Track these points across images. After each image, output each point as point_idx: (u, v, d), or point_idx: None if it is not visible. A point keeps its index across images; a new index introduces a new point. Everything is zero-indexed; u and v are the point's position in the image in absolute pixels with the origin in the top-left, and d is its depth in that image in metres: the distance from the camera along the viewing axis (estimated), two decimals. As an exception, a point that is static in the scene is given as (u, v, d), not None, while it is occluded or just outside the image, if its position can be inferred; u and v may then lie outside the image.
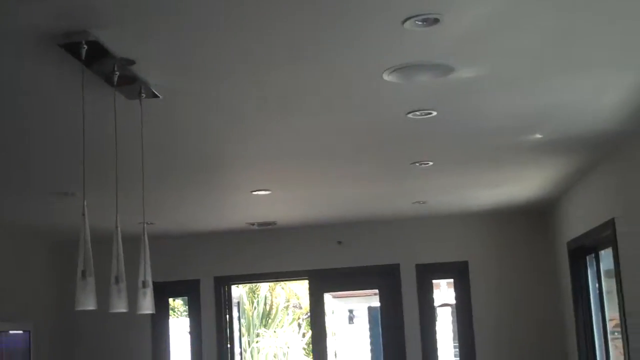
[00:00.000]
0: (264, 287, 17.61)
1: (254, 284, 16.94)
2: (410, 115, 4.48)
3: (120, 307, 3.45)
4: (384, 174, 6.29)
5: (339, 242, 8.81)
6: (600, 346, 7.24)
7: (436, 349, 8.80)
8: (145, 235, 3.72)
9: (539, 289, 8.57)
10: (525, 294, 8.60)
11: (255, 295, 17.67)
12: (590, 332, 7.41)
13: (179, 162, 5.45)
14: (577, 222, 7.24)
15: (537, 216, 8.60)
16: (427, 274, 8.83)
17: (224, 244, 8.94)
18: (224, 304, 9.08)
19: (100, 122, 3.89)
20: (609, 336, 7.03)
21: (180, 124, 4.46)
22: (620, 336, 6.20)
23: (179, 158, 5.32)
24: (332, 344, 16.68)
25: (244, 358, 16.81)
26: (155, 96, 3.76)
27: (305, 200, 7.30)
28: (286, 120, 4.52)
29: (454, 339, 12.21)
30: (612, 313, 6.86)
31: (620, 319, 6.03)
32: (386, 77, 3.75)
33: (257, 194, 6.61)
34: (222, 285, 9.07)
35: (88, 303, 3.23)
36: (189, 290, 9.12)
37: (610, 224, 6.04)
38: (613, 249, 6.06)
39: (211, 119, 4.42)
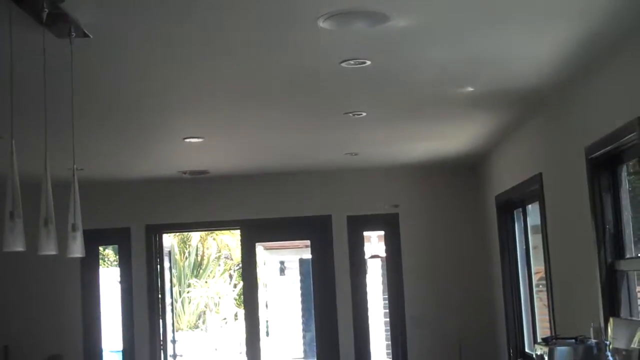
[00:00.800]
0: (195, 238, 17.59)
1: (185, 234, 16.91)
2: (344, 65, 4.48)
3: (49, 249, 3.41)
4: (317, 123, 6.30)
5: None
6: (525, 298, 7.43)
7: (366, 300, 8.92)
8: (76, 180, 3.68)
9: (467, 242, 8.73)
10: (454, 246, 8.75)
11: (187, 246, 17.65)
12: (516, 285, 7.59)
13: (110, 106, 5.37)
14: (505, 176, 7.37)
15: (467, 170, 8.73)
16: (359, 225, 8.91)
17: (155, 192, 8.87)
18: (155, 253, 9.04)
19: (29, 62, 3.81)
20: (534, 289, 7.21)
21: (111, 65, 4.39)
22: (544, 289, 6.36)
23: (110, 101, 5.24)
24: (263, 295, 16.78)
25: (175, 308, 16.82)
26: (86, 35, 3.69)
27: (238, 149, 7.28)
28: (218, 64, 4.48)
29: (383, 291, 12.40)
30: (537, 266, 7.03)
31: (546, 272, 6.18)
32: (321, 23, 3.74)
33: (189, 142, 6.56)
34: (153, 234, 9.02)
35: (16, 244, 3.19)
36: (119, 238, 9.04)
37: (538, 178, 6.16)
38: (540, 203, 6.19)
39: (142, 61, 4.35)
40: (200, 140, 6.53)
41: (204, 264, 17.86)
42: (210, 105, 5.53)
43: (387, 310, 9.56)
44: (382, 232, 9.36)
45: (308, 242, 9.27)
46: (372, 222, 9.07)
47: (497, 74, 5.01)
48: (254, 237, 9.16)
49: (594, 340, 4.44)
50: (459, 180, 8.80)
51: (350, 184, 8.85)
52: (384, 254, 9.32)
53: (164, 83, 4.86)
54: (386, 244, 9.10)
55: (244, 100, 5.39)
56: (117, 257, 9.77)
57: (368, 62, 4.47)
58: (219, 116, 5.89)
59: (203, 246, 17.90)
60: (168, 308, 9.64)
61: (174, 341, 9.60)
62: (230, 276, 18.05)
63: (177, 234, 16.50)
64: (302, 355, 17.43)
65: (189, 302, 17.82)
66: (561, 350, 4.50)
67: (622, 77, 4.46)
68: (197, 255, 17.82)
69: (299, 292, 17.27)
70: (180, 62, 4.42)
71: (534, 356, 4.92)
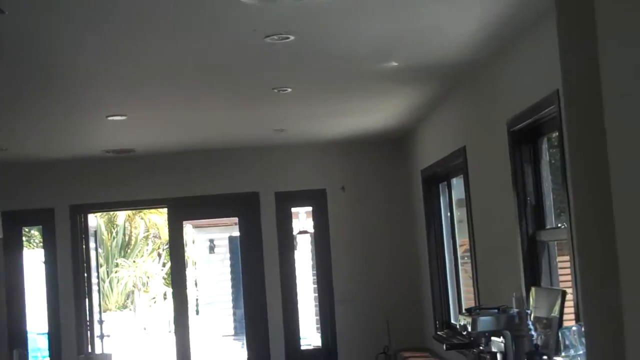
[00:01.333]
0: (122, 217, 17.40)
1: (112, 214, 16.72)
2: (267, 40, 4.46)
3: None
4: (242, 100, 6.27)
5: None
6: (450, 270, 7.54)
7: (295, 276, 8.94)
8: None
9: (394, 216, 8.81)
10: (382, 221, 8.82)
11: (114, 225, 17.45)
12: (442, 257, 7.69)
13: (31, 84, 5.26)
14: (431, 150, 7.45)
15: (393, 145, 8.80)
16: (286, 201, 8.92)
17: (80, 171, 8.73)
18: (80, 233, 8.91)
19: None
20: (459, 261, 7.33)
21: (30, 42, 4.29)
22: (469, 260, 6.46)
23: (30, 78, 5.13)
24: (192, 274, 16.72)
25: (103, 288, 16.63)
26: (2, 12, 3.60)
27: (163, 126, 7.21)
28: (140, 40, 4.42)
29: (313, 267, 12.46)
30: (462, 239, 7.14)
31: (470, 245, 6.28)
32: (243, -2, 3.72)
33: (112, 119, 6.46)
34: (78, 214, 8.89)
35: None
36: (43, 219, 8.88)
37: (461, 152, 6.25)
38: (464, 176, 6.28)
39: (61, 39, 4.27)
40: (123, 118, 6.44)
41: (131, 244, 17.69)
42: (132, 83, 5.45)
43: (316, 286, 9.61)
44: (310, 208, 9.39)
45: (236, 220, 9.24)
46: (300, 198, 9.09)
47: (421, 49, 5.05)
48: (181, 215, 9.09)
49: (515, 310, 4.52)
50: (386, 155, 8.87)
51: (277, 160, 8.84)
52: (312, 230, 9.36)
53: (84, 60, 4.77)
54: (314, 219, 9.13)
55: (167, 77, 5.33)
56: (42, 237, 9.60)
57: (292, 37, 4.45)
58: (142, 93, 5.81)
59: (131, 225, 17.72)
60: (94, 288, 9.51)
61: (101, 322, 9.48)
62: (159, 255, 17.93)
63: (104, 213, 16.30)
64: (232, 332, 17.45)
65: (117, 282, 17.64)
66: (484, 320, 4.58)
67: (541, 52, 4.53)
68: (124, 234, 17.63)
69: (229, 269, 17.27)
70: (101, 39, 4.34)
71: (458, 327, 5.00)
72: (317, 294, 9.84)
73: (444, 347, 5.51)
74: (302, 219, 11.28)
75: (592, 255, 2.00)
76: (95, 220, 11.09)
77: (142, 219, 17.35)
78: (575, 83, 2.05)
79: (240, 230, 9.12)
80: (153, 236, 17.86)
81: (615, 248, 1.84)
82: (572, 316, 4.22)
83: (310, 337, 11.65)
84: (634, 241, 1.83)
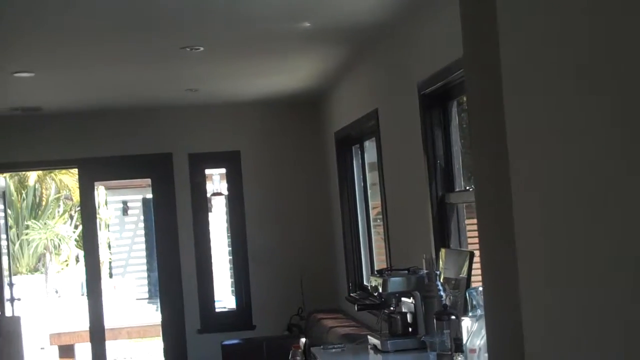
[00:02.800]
0: (33, 178, 17.01)
1: (22, 175, 16.34)
2: (178, -4, 4.38)
3: None
4: (153, 58, 6.14)
5: None
6: (363, 232, 7.60)
7: (209, 238, 8.89)
8: None
9: (308, 179, 8.82)
10: (296, 183, 8.82)
11: (24, 187, 17.05)
12: (355, 220, 7.74)
13: None
14: (344, 113, 7.46)
15: (308, 107, 8.77)
16: (200, 163, 8.82)
17: (-14, 130, 8.47)
18: (-13, 194, 8.68)
19: None
20: (372, 223, 7.39)
21: None
22: (381, 223, 6.52)
23: None
24: (105, 236, 16.50)
25: (13, 251, 16.28)
26: None
27: (73, 84, 7.02)
28: (46, -5, 4.29)
29: (226, 229, 12.41)
30: (375, 202, 7.19)
31: (382, 207, 6.33)
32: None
33: (19, 76, 6.26)
34: (-15, 174, 8.65)
35: None
36: (-52, 179, 8.62)
37: (374, 114, 6.26)
38: (376, 139, 6.30)
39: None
40: (30, 75, 6.24)
41: (42, 205, 17.32)
42: (39, 38, 5.28)
43: (231, 248, 9.57)
44: (224, 170, 9.32)
45: (150, 181, 9.11)
46: (214, 160, 9.01)
47: (333, 10, 5.02)
48: (92, 176, 8.89)
49: (425, 271, 4.58)
50: (300, 117, 8.84)
51: (191, 121, 8.73)
52: (226, 192, 9.30)
53: (-13, 13, 4.60)
54: (228, 181, 9.07)
55: (76, 34, 5.18)
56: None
57: (203, -6, 4.38)
58: (50, 50, 5.64)
59: (42, 187, 17.33)
60: (4, 251, 9.30)
61: (11, 285, 9.29)
62: (71, 217, 17.60)
63: (13, 174, 15.92)
64: (146, 296, 17.32)
65: (28, 245, 17.28)
66: (394, 281, 4.63)
67: (452, 15, 4.54)
68: (35, 196, 17.25)
69: (143, 232, 17.10)
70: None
71: (369, 287, 5.04)
72: (231, 257, 9.82)
73: (356, 307, 5.56)
74: (217, 181, 11.20)
75: (490, 216, 2.03)
76: (3, 180, 10.81)
77: (53, 180, 16.97)
78: (475, 50, 2.06)
79: (154, 192, 9.00)
80: (65, 198, 17.50)
81: (511, 210, 1.87)
82: (480, 277, 4.29)
83: (225, 299, 11.64)
84: (528, 206, 1.86)
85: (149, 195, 10.85)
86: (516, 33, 1.88)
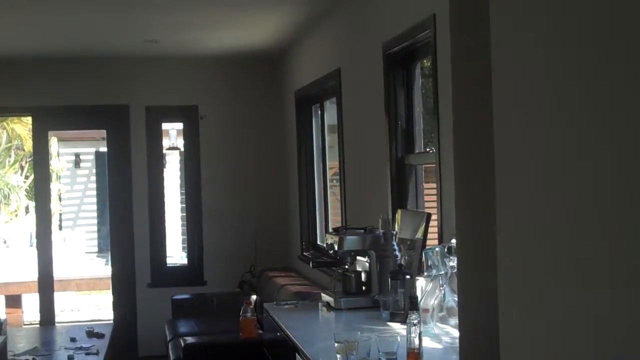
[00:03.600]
0: (-16, 127, 16.71)
1: (-27, 123, 16.06)
2: (143, -59, 4.28)
3: None
4: (114, 4, 5.99)
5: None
6: (319, 193, 7.59)
7: (163, 194, 8.81)
8: None
9: (266, 137, 8.77)
10: (253, 141, 8.77)
11: (-25, 135, 16.74)
12: (311, 180, 7.73)
13: None
14: (306, 71, 7.41)
15: (269, 64, 8.70)
16: (157, 117, 8.72)
17: (-63, 74, 8.26)
18: (-63, 139, 8.49)
19: None
20: (328, 184, 7.38)
21: None
22: (338, 184, 6.52)
23: None
24: (56, 187, 16.29)
25: (-39, 199, 16.03)
26: None
27: (30, 29, 6.86)
28: None
29: (181, 185, 12.34)
30: (332, 162, 7.18)
31: (340, 167, 6.32)
32: None
33: (-26, 18, 6.12)
34: None
35: None
36: None
37: (336, 74, 6.23)
38: (337, 99, 6.28)
39: None
40: (-15, 17, 6.10)
41: (-7, 154, 17.02)
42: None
43: (184, 205, 9.51)
44: (181, 125, 9.23)
45: (104, 133, 8.98)
46: (171, 114, 8.92)
47: (301, -36, 4.96)
48: (47, 125, 8.74)
49: (381, 231, 4.59)
50: (260, 75, 8.77)
51: (150, 73, 8.61)
52: (182, 148, 9.21)
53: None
54: (185, 137, 8.99)
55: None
56: None
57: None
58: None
59: (-7, 136, 17.01)
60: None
61: (-42, 233, 9.15)
62: (22, 168, 17.34)
63: (-36, 121, 15.63)
64: (96, 250, 17.18)
65: (-23, 194, 16.99)
66: (350, 239, 4.64)
67: (421, -26, 4.52)
68: (-15, 145, 16.93)
69: (95, 185, 16.91)
70: None
71: (325, 245, 5.05)
72: (184, 213, 9.76)
73: (310, 264, 5.56)
74: (173, 136, 11.10)
75: (469, 179, 2.00)
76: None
77: (4, 129, 16.67)
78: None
79: (108, 144, 8.87)
80: (16, 147, 17.21)
81: (493, 176, 1.84)
82: (435, 238, 4.32)
83: (175, 255, 11.60)
84: (510, 167, 1.83)
85: (102, 149, 10.72)
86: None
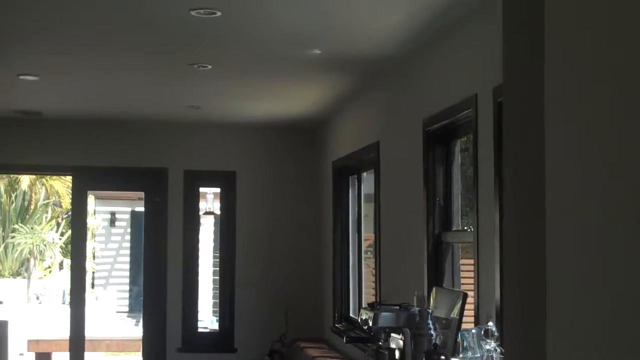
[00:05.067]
0: (26, 183, 16.94)
1: (13, 177, 16.27)
2: (193, 13, 4.37)
3: None
4: (159, 71, 6.12)
5: None
6: (353, 264, 7.55)
7: (198, 257, 8.83)
8: None
9: (302, 206, 8.78)
10: (289, 209, 8.78)
11: (14, 189, 16.96)
12: (346, 251, 7.70)
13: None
14: (344, 142, 7.45)
15: (307, 134, 8.76)
16: (195, 181, 8.79)
17: (-16, 130, 8.41)
18: (-22, 194, 8.62)
19: None
20: (363, 255, 7.35)
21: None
22: (372, 256, 6.48)
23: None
24: (90, 245, 16.40)
25: (-3, 253, 16.18)
26: None
27: (75, 91, 7.00)
28: (58, 2, 4.27)
29: (214, 249, 12.35)
30: (367, 233, 7.16)
31: (375, 240, 6.30)
32: (172, -33, 3.62)
33: (24, 79, 6.24)
34: (-22, 174, 8.59)
35: None
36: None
37: (375, 146, 6.25)
38: (375, 171, 6.29)
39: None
40: (35, 78, 6.22)
41: (31, 210, 17.23)
42: (46, 42, 5.27)
43: (217, 269, 9.51)
44: (218, 190, 9.29)
45: (142, 194, 9.06)
46: (209, 179, 8.99)
47: (344, 40, 5.03)
48: (86, 184, 8.85)
49: (417, 308, 4.55)
50: (299, 144, 8.83)
51: (190, 138, 8.70)
52: (218, 212, 9.25)
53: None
54: (222, 202, 9.03)
55: (84, 41, 5.18)
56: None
57: (218, 13, 4.37)
58: (56, 55, 5.62)
59: (32, 191, 17.24)
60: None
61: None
62: (58, 224, 17.50)
63: (5, 176, 15.84)
64: (127, 309, 17.20)
65: (13, 248, 17.16)
66: (385, 315, 4.59)
67: (462, 54, 4.56)
68: (24, 200, 17.15)
69: (129, 245, 17.02)
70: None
71: (359, 321, 5.00)
72: (216, 277, 9.75)
73: (344, 339, 5.51)
74: (210, 200, 11.17)
75: (518, 258, 1.97)
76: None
77: (43, 185, 16.89)
78: (516, 76, 2.01)
79: (146, 205, 8.94)
80: (53, 204, 17.41)
81: (544, 256, 1.81)
82: (472, 319, 4.27)
83: (206, 320, 11.56)
84: (564, 247, 1.82)
85: (138, 208, 10.81)
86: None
